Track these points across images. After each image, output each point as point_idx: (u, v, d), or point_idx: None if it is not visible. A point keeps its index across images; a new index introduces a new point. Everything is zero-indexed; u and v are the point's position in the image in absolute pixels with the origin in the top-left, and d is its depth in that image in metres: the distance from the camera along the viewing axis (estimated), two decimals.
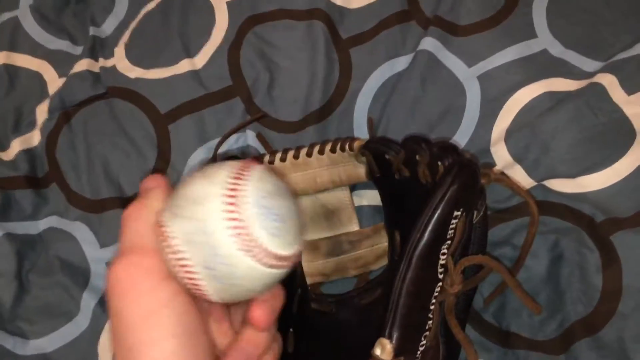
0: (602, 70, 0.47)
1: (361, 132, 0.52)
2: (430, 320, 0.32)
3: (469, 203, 0.33)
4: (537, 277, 0.42)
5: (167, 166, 0.53)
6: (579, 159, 0.45)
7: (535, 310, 0.35)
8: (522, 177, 0.46)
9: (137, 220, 0.27)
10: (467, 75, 0.51)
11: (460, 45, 0.52)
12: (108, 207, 0.52)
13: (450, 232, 0.32)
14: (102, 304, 0.48)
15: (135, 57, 0.57)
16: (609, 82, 0.46)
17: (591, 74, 0.48)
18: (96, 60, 0.59)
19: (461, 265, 0.33)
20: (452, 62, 0.51)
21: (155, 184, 0.28)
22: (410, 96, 0.51)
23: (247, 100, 0.54)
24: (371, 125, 0.52)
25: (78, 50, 0.60)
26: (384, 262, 0.48)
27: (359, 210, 0.50)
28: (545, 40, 0.50)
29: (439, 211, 0.31)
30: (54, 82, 0.59)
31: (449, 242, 0.32)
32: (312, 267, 0.49)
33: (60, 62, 0.60)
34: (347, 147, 0.45)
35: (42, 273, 0.49)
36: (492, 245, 0.44)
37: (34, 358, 0.46)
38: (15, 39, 0.60)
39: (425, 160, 0.36)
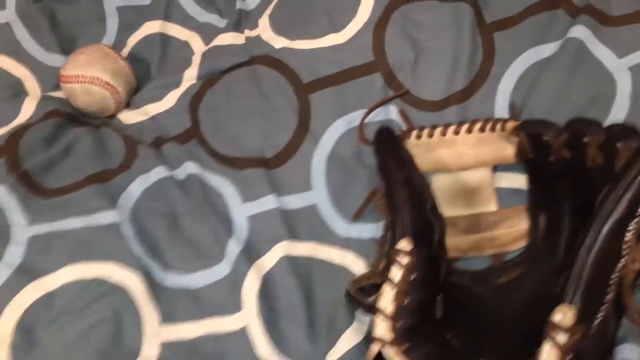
0: None
1: (502, 115, 0.53)
2: (609, 294, 0.33)
3: None
4: None
5: (306, 133, 0.55)
6: None
7: None
8: None
9: None
10: (618, 66, 0.50)
11: (611, 35, 0.52)
12: (247, 165, 0.55)
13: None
14: (245, 252, 0.50)
15: (280, 27, 0.59)
16: None
17: None
18: (241, 32, 0.62)
19: None
20: (602, 52, 0.51)
21: None
22: (556, 83, 0.51)
23: (388, 77, 0.55)
24: (514, 109, 0.52)
25: (224, 23, 0.64)
26: (522, 244, 0.48)
27: (498, 191, 0.51)
28: None
29: (633, 188, 0.32)
30: (200, 52, 0.63)
31: (637, 219, 0.32)
32: (450, 242, 0.49)
33: (208, 33, 0.64)
34: (498, 127, 0.46)
35: (193, 215, 0.52)
36: None
37: (180, 291, 0.49)
38: (170, 10, 0.65)
39: (598, 141, 0.37)
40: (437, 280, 0.42)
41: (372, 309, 0.39)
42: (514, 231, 0.49)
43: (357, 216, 0.51)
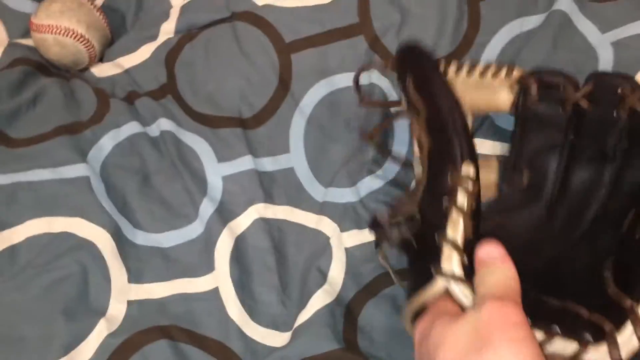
0: None
1: None
2: None
3: None
4: None
5: (286, 95, 0.54)
6: None
7: None
8: None
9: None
10: (601, 40, 0.50)
11: (595, 10, 0.51)
12: (224, 124, 0.53)
13: None
14: (218, 212, 0.49)
15: None
16: None
17: None
18: None
19: None
20: (586, 26, 0.51)
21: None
22: (540, 55, 0.51)
23: (372, 40, 0.54)
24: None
25: None
26: (489, 194, 0.46)
27: None
28: None
29: None
30: (179, 5, 0.60)
31: None
32: None
33: None
34: (502, 73, 0.44)
35: (166, 173, 0.51)
36: None
37: (150, 250, 0.48)
38: None
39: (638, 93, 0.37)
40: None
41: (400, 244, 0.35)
42: (483, 181, 0.48)
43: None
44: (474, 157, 0.34)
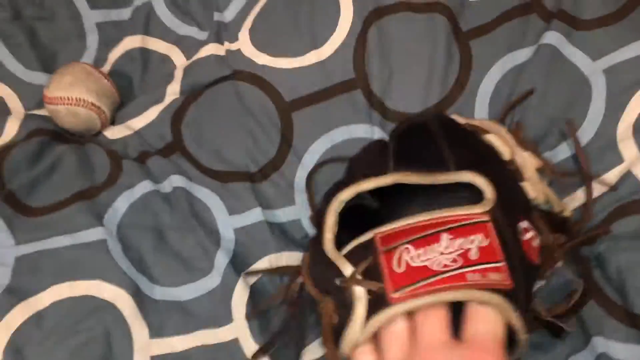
0: None
1: None
2: None
3: None
4: None
5: (289, 151, 0.56)
6: None
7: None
8: None
9: None
10: (593, 69, 0.51)
11: (584, 39, 0.52)
12: (233, 179, 0.55)
13: None
14: (233, 264, 0.51)
15: (260, 42, 0.59)
16: None
17: None
18: (221, 44, 0.62)
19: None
20: (576, 56, 0.52)
21: None
22: (535, 88, 0.52)
23: (368, 93, 0.56)
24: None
25: (204, 35, 0.64)
26: None
27: None
28: None
29: None
30: (182, 66, 0.63)
31: None
32: None
33: (188, 46, 0.64)
34: None
35: (180, 228, 0.52)
36: None
37: (169, 304, 0.49)
38: (149, 24, 0.65)
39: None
40: None
41: None
42: None
43: None
44: None
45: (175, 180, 0.55)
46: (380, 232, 0.36)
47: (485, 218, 0.35)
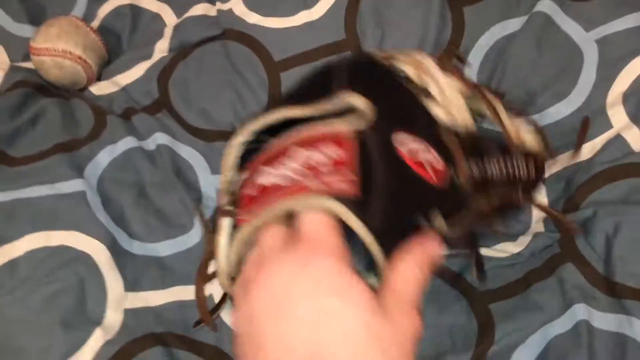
0: None
1: None
2: None
3: None
4: None
5: None
6: None
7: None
8: (638, 138, 0.46)
9: None
10: (585, 38, 0.51)
11: (577, 9, 0.52)
12: (218, 138, 0.55)
13: None
14: (212, 220, 0.50)
15: (252, 2, 0.59)
16: None
17: None
18: (213, 4, 0.62)
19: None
20: (569, 26, 0.52)
21: None
22: (525, 57, 0.52)
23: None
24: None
25: None
26: None
27: None
28: None
29: None
30: (172, 24, 0.62)
31: None
32: None
33: (180, 5, 0.63)
34: None
35: (162, 185, 0.52)
36: None
37: (148, 259, 0.49)
38: None
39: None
40: None
41: None
42: None
43: None
44: None
45: (160, 138, 0.55)
46: (249, 162, 0.36)
47: (345, 131, 0.34)
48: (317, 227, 0.29)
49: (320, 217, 0.30)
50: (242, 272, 0.32)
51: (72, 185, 0.50)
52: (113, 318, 0.46)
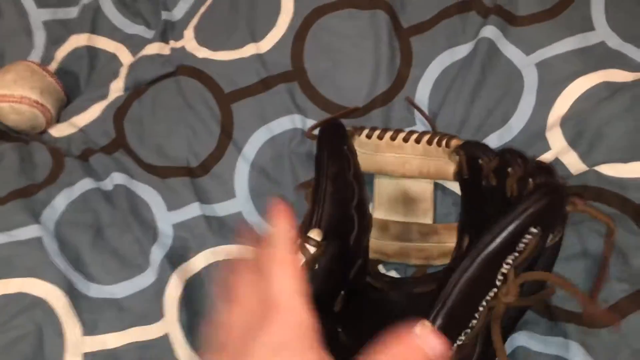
0: None
1: (422, 119, 0.54)
2: (475, 320, 0.33)
3: (548, 224, 0.34)
4: (578, 258, 0.43)
5: (229, 143, 0.56)
6: (633, 146, 0.46)
7: (613, 321, 0.37)
8: (575, 162, 0.47)
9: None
10: (525, 62, 0.52)
11: (518, 34, 0.53)
12: (173, 174, 0.56)
13: (521, 245, 0.32)
14: (168, 258, 0.51)
15: (203, 38, 0.60)
16: None
17: None
18: (167, 42, 0.63)
19: (521, 279, 0.33)
20: (511, 51, 0.53)
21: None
22: (471, 83, 0.53)
23: (305, 86, 0.57)
24: (412, 103, 0.53)
25: (151, 34, 0.65)
26: (446, 260, 0.50)
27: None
28: (603, 33, 0.51)
29: (517, 222, 0.32)
30: (129, 64, 0.63)
31: (516, 254, 0.33)
32: (377, 245, 0.51)
33: (136, 45, 0.64)
34: (444, 143, 0.47)
35: (119, 225, 0.52)
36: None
37: (105, 301, 0.49)
38: (97, 23, 0.65)
39: (517, 174, 0.37)
40: (344, 276, 0.43)
41: None
42: (441, 246, 0.50)
43: (299, 190, 0.53)
44: (328, 226, 0.40)
45: (117, 178, 0.55)
46: None
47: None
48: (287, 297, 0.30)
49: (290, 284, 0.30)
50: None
51: (28, 232, 0.50)
52: None
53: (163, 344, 0.47)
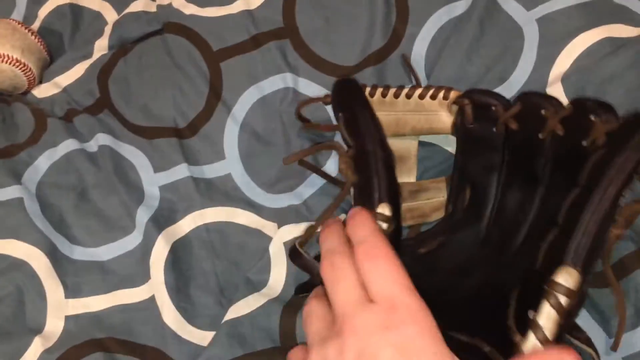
0: None
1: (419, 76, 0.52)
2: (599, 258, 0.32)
3: None
4: None
5: (218, 103, 0.54)
6: (636, 104, 0.44)
7: None
8: None
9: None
10: (526, 18, 0.50)
11: None
12: (159, 135, 0.54)
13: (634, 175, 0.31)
14: (154, 220, 0.49)
15: None
16: None
17: None
18: (153, 0, 0.60)
19: (628, 210, 0.32)
20: (511, 6, 0.51)
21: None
22: (468, 39, 0.51)
23: (298, 44, 0.54)
24: (407, 62, 0.51)
25: None
26: (439, 215, 0.48)
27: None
28: None
29: (634, 156, 0.31)
30: (113, 22, 0.61)
31: (630, 185, 0.31)
32: None
33: (121, 2, 0.62)
34: (440, 95, 0.45)
35: (103, 187, 0.51)
36: None
37: (89, 264, 0.48)
38: None
39: (562, 115, 0.37)
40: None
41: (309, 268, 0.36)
42: (432, 202, 0.48)
43: (290, 161, 0.49)
44: (392, 199, 0.35)
45: (102, 139, 0.54)
46: None
47: None
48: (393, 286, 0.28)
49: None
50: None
51: (8, 192, 0.49)
52: (53, 326, 0.45)
53: (149, 306, 0.46)
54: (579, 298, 0.30)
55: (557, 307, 0.29)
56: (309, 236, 0.37)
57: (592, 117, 0.37)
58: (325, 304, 0.30)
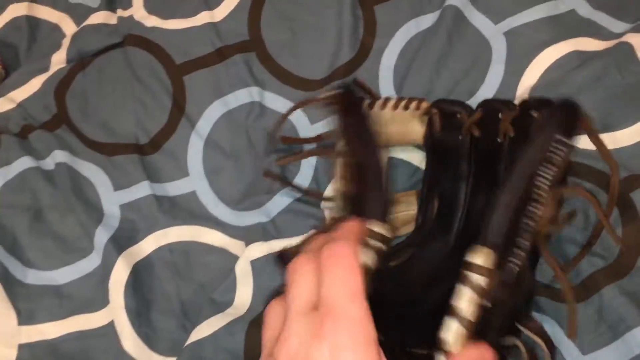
0: (631, 31, 0.46)
1: (387, 90, 0.51)
2: (522, 240, 0.31)
3: (570, 132, 0.33)
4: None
5: (181, 118, 0.52)
6: (604, 116, 0.44)
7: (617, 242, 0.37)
8: None
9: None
10: (493, 31, 0.50)
11: (486, 2, 0.51)
12: (120, 152, 0.52)
13: (550, 155, 0.32)
14: (114, 241, 0.47)
15: (153, 6, 0.56)
16: (637, 42, 0.45)
17: (619, 35, 0.47)
18: (114, 12, 0.58)
19: (557, 193, 0.32)
20: (478, 19, 0.50)
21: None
22: (436, 52, 0.50)
23: (264, 57, 0.53)
24: (361, 85, 0.49)
25: (96, 2, 0.60)
26: (409, 229, 0.47)
27: None
28: (573, 1, 0.49)
29: (544, 134, 0.32)
30: (72, 34, 0.59)
31: (549, 165, 0.32)
32: None
33: (80, 15, 0.60)
34: (412, 105, 0.44)
35: (60, 207, 0.49)
36: None
37: (44, 288, 0.46)
38: None
39: (512, 116, 0.37)
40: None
41: None
42: (403, 215, 0.47)
43: (284, 163, 0.49)
44: (384, 216, 0.35)
45: (59, 156, 0.51)
46: None
47: None
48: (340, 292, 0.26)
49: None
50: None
51: None
52: (5, 355, 0.42)
53: (108, 332, 0.44)
54: (518, 284, 0.30)
55: (476, 288, 0.29)
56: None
57: (534, 114, 0.37)
58: (283, 307, 0.29)
